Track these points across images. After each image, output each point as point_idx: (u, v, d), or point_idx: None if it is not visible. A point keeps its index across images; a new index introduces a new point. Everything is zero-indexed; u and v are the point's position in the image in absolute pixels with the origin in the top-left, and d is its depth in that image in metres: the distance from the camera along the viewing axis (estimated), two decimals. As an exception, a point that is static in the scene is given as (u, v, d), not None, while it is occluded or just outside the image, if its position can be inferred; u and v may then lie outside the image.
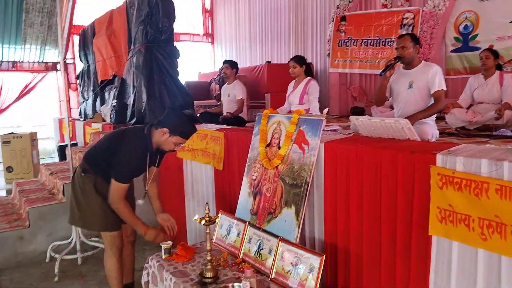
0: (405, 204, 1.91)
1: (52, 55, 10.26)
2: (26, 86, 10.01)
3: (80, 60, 9.58)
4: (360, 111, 6.48)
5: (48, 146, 10.82)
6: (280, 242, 2.36)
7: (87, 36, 8.82)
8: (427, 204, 1.80)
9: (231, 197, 3.23)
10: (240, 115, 5.54)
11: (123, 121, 6.13)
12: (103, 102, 7.85)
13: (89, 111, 8.28)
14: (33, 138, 7.52)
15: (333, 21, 7.23)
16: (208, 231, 2.45)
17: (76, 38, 9.95)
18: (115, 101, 6.38)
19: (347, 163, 2.18)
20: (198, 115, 5.69)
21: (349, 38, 7.05)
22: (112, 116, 6.20)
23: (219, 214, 2.95)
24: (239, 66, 6.07)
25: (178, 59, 6.19)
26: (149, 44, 5.89)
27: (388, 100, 3.48)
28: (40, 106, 10.81)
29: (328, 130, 3.72)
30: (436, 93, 2.91)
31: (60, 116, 10.48)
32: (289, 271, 2.25)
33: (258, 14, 10.20)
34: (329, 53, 7.41)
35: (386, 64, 3.10)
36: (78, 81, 9.50)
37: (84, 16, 10.51)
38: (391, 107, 5.07)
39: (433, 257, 1.83)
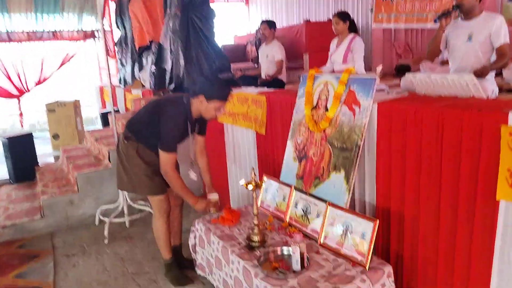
0: (470, 168, 1.75)
1: (89, 22, 10.32)
2: (66, 55, 10.19)
3: (117, 27, 9.56)
4: (405, 69, 6.15)
5: (90, 114, 11.12)
6: (328, 207, 2.28)
7: (122, 2, 8.76)
8: (495, 167, 1.65)
9: (274, 161, 3.16)
10: (279, 77, 5.38)
11: (163, 87, 6.12)
12: (141, 69, 7.87)
13: (128, 78, 8.33)
14: (76, 106, 7.70)
15: (376, -26, 6.78)
16: (254, 196, 2.40)
17: (112, 5, 9.95)
18: (154, 67, 6.36)
19: (403, 124, 2.03)
20: (237, 78, 5.57)
21: (394, -9, 6.60)
22: (151, 82, 6.20)
23: (264, 178, 2.89)
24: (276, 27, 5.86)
25: (214, 21, 6.06)
26: (185, 6, 5.77)
27: (441, 53, 3.23)
28: (81, 75, 11.02)
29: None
30: (501, 47, 2.64)
31: (101, 84, 10.68)
32: (339, 236, 2.17)
33: (295, -31, 9.74)
34: (372, 8, 7.00)
35: (442, 11, 2.85)
36: (116, 48, 9.55)
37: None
38: (442, 63, 4.76)
39: (500, 223, 1.70)
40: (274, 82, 5.24)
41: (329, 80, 2.52)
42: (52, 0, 9.27)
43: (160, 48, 7.03)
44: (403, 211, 2.11)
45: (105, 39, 10.70)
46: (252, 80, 5.46)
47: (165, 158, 2.62)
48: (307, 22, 7.83)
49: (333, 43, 4.36)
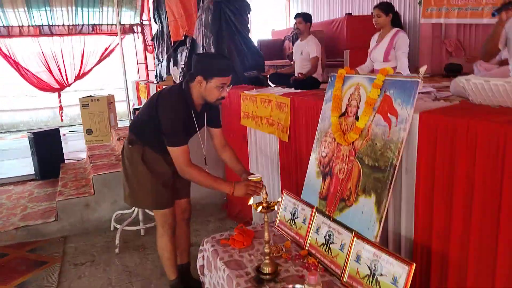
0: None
1: (128, 17, 10.30)
2: (105, 49, 10.21)
3: (155, 21, 9.47)
4: (457, 69, 5.53)
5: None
6: (355, 239, 1.87)
7: (161, -4, 8.62)
8: None
9: (297, 173, 2.78)
10: (314, 75, 4.95)
11: (192, 83, 5.87)
12: (176, 64, 7.69)
13: (164, 74, 8.19)
14: (110, 101, 7.63)
15: (426, -37, 6.16)
16: (266, 219, 2.03)
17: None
18: (183, 62, 6.12)
19: (452, 142, 1.59)
20: (268, 76, 5.20)
21: (446, -18, 5.96)
22: (180, 78, 5.95)
23: (283, 195, 2.51)
24: (316, 20, 5.42)
25: (249, 15, 5.73)
26: (218, 0, 5.48)
27: (499, 53, 2.72)
28: (119, 70, 11.00)
29: (419, 93, 3.03)
30: None
31: (138, 79, 10.64)
32: (366, 276, 1.76)
33: (338, -41, 9.20)
34: (420, 1, 6.38)
35: (502, 3, 2.34)
36: (153, 43, 9.45)
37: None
38: (501, 63, 4.15)
39: None
40: (307, 81, 4.80)
41: (361, 82, 2.09)
42: (92, -5, 9.30)
43: (193, 43, 6.81)
44: (448, 251, 1.67)
45: (143, 33, 10.71)
46: (284, 78, 5.05)
47: (175, 154, 2.28)
48: (349, 15, 7.32)
49: (374, 38, 3.88)
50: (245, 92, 3.45)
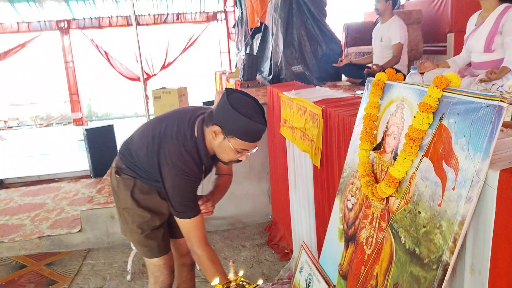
0: None
1: (212, 3, 9.96)
2: (190, 39, 10.04)
3: (236, 5, 8.98)
4: None
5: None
6: None
7: (241, -21, 8.09)
8: None
9: (330, 209, 1.97)
10: (396, 66, 3.94)
11: (253, 78, 5.19)
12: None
13: (238, 63, 7.69)
14: (181, 93, 7.34)
15: None
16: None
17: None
18: (244, 53, 5.49)
19: None
20: (341, 67, 4.33)
21: None
22: (241, 71, 5.32)
23: (301, 250, 1.75)
24: None
25: (327, -4, 4.90)
26: (288, -22, 4.74)
27: None
28: (203, 59, 10.80)
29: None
30: None
31: (221, 69, 10.32)
32: None
33: None
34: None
35: None
36: (234, 31, 9.00)
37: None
38: None
39: None
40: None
41: (406, 96, 1.23)
42: (176, -18, 9.12)
43: (266, 30, 6.18)
44: None
45: (227, 20, 10.32)
46: (358, 70, 4.14)
47: (186, 227, 1.67)
48: (456, -10, 5.96)
49: (472, 20, 2.81)
50: (284, 93, 2.69)
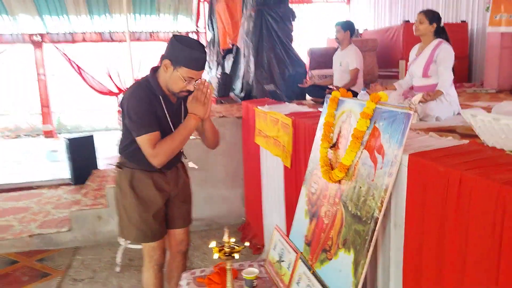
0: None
1: (184, 23, 10.40)
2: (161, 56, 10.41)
3: (208, 28, 9.48)
4: (528, 86, 4.82)
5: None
6: (329, 302, 1.52)
7: (213, 3, 8.60)
8: None
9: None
10: (353, 88, 4.52)
11: (227, 94, 5.67)
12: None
13: (212, 81, 8.12)
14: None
15: (497, -37, 5.44)
16: (229, 267, 1.74)
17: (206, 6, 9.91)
18: (219, 72, 5.95)
19: (443, 196, 1.20)
20: (306, 87, 4.86)
21: (520, -15, 5.23)
22: (216, 88, 5.78)
23: (274, 231, 2.20)
24: (376, 27, 4.99)
25: (293, 23, 5.44)
26: (260, 6, 5.26)
27: None
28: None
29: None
30: None
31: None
32: None
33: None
34: (488, 6, 5.66)
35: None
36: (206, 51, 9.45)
37: (216, -18, 10.34)
38: None
39: None
40: (344, 95, 4.40)
41: (353, 108, 1.73)
42: (149, 1, 9.50)
43: (238, 51, 6.67)
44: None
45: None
46: (321, 90, 4.68)
47: (142, 142, 1.99)
48: (406, 23, 6.73)
49: (413, 50, 3.40)
50: (258, 107, 3.16)
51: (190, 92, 2.04)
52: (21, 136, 10.92)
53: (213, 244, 1.75)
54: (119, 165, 2.25)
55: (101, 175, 5.02)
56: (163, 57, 2.00)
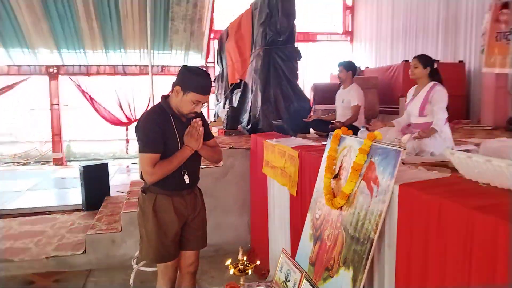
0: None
1: (195, 59, 10.87)
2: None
3: (217, 63, 9.93)
4: (521, 123, 5.09)
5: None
6: (331, 315, 1.72)
7: (223, 41, 9.07)
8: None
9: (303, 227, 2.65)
10: (355, 124, 4.80)
11: (235, 127, 5.97)
12: (230, 105, 7.92)
13: (221, 114, 8.47)
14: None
15: (490, 10, 5.83)
16: (242, 282, 1.95)
17: (216, 44, 10.40)
18: (229, 105, 6.27)
19: (426, 220, 1.43)
20: (310, 121, 5.14)
21: (512, 30, 5.59)
22: (224, 121, 6.09)
23: (281, 255, 2.41)
24: (378, 65, 5.31)
25: (298, 61, 5.79)
26: (268, 46, 5.63)
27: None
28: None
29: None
30: None
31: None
32: None
33: (403, 7, 9.06)
34: (483, 49, 6.01)
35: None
36: (215, 84, 9.87)
37: (225, 21, 10.89)
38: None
39: None
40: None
41: (352, 145, 1.99)
42: (162, 38, 9.99)
43: (245, 86, 7.01)
44: None
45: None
46: (324, 125, 4.96)
47: (142, 159, 2.30)
48: (406, 62, 7.09)
49: (410, 92, 3.69)
50: (267, 140, 3.43)
51: (197, 114, 2.38)
52: (31, 163, 11.21)
53: (229, 261, 1.97)
54: (143, 190, 2.50)
55: (113, 201, 5.25)
56: (174, 84, 2.33)
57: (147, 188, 2.47)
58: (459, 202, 1.31)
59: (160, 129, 2.31)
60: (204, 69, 2.44)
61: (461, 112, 6.90)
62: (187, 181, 2.44)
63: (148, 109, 2.44)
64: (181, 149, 2.37)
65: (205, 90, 2.31)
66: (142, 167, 2.32)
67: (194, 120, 2.37)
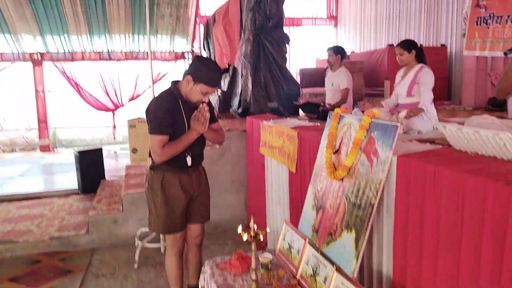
0: (494, 248, 1.32)
1: (180, 44, 10.88)
2: (158, 74, 10.83)
3: (204, 49, 9.96)
4: (500, 103, 5.37)
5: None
6: (335, 272, 1.92)
7: (209, 26, 9.11)
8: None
9: (302, 204, 2.84)
10: (343, 106, 5.00)
11: (227, 110, 6.11)
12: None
13: (211, 98, 8.56)
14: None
15: (471, -5, 6.06)
16: (253, 248, 2.14)
17: (202, 28, 10.42)
18: (220, 90, 6.39)
19: (422, 185, 1.63)
20: (300, 105, 5.32)
21: (491, 15, 5.83)
22: (216, 105, 6.23)
23: (284, 225, 2.60)
24: (362, 50, 5.50)
25: (287, 45, 5.92)
26: (257, 31, 5.74)
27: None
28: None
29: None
30: None
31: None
32: (341, 311, 1.81)
33: (387, -8, 9.26)
34: (464, 33, 6.26)
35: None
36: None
37: (211, 6, 10.90)
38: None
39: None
40: (336, 112, 4.87)
41: (352, 122, 2.17)
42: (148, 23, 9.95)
43: (235, 71, 7.12)
44: (420, 292, 1.69)
45: (193, 59, 11.26)
46: (314, 107, 5.15)
47: (152, 142, 2.43)
48: (390, 46, 7.31)
49: (399, 73, 3.90)
50: (264, 122, 3.60)
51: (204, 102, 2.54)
52: (17, 150, 11.13)
53: (239, 228, 2.15)
54: (152, 168, 2.65)
55: (109, 184, 5.36)
56: (185, 73, 2.48)
57: (156, 166, 2.63)
58: (452, 167, 1.51)
59: (169, 113, 2.46)
60: (214, 62, 2.58)
61: (443, 93, 7.19)
62: (189, 163, 2.61)
63: (159, 94, 2.55)
64: (188, 132, 2.52)
65: (215, 82, 2.48)
66: (152, 147, 2.47)
67: (200, 105, 2.54)
